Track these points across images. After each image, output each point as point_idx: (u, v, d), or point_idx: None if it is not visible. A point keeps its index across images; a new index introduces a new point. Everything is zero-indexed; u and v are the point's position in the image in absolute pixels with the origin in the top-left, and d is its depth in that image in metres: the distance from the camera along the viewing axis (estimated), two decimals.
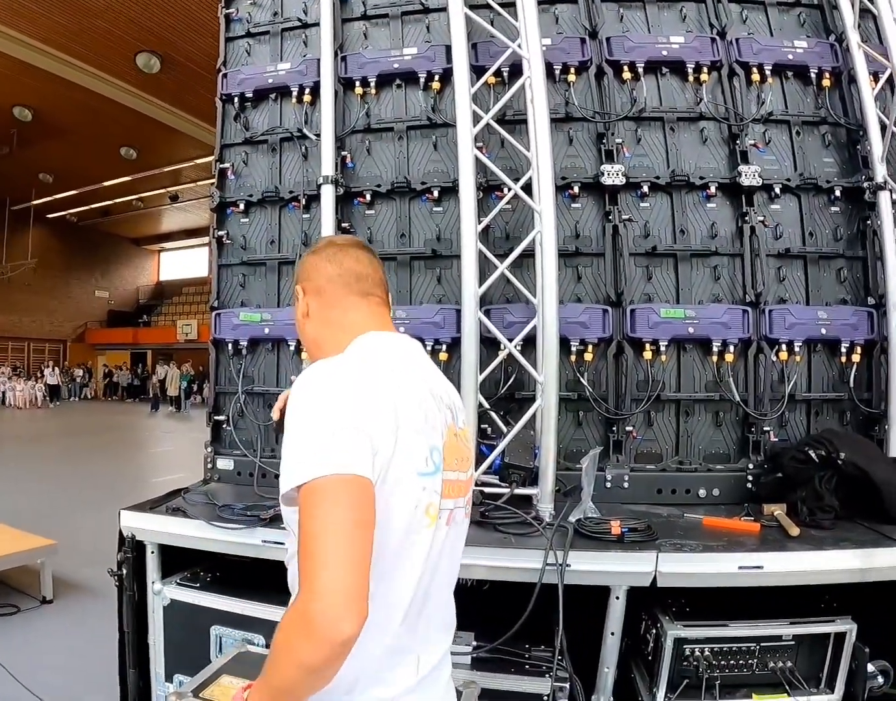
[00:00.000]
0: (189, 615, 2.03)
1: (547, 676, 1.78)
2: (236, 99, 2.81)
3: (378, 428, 0.90)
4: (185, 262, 28.62)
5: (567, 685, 1.78)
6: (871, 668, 1.89)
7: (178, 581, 2.11)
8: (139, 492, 2.76)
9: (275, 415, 1.30)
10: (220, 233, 2.72)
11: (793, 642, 1.81)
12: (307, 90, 2.71)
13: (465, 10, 2.36)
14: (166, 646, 2.08)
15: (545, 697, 1.75)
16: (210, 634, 2.00)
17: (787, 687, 1.79)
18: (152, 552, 2.10)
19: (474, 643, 1.83)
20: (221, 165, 2.79)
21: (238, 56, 2.94)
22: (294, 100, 2.74)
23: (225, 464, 2.66)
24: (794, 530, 2.04)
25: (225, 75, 2.87)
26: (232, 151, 2.80)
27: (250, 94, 2.80)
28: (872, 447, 2.42)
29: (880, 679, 2.00)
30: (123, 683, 2.17)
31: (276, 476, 2.60)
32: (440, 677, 1.07)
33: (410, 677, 0.99)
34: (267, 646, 1.83)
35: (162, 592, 2.07)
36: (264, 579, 2.01)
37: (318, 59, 2.66)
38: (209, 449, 2.70)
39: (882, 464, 2.29)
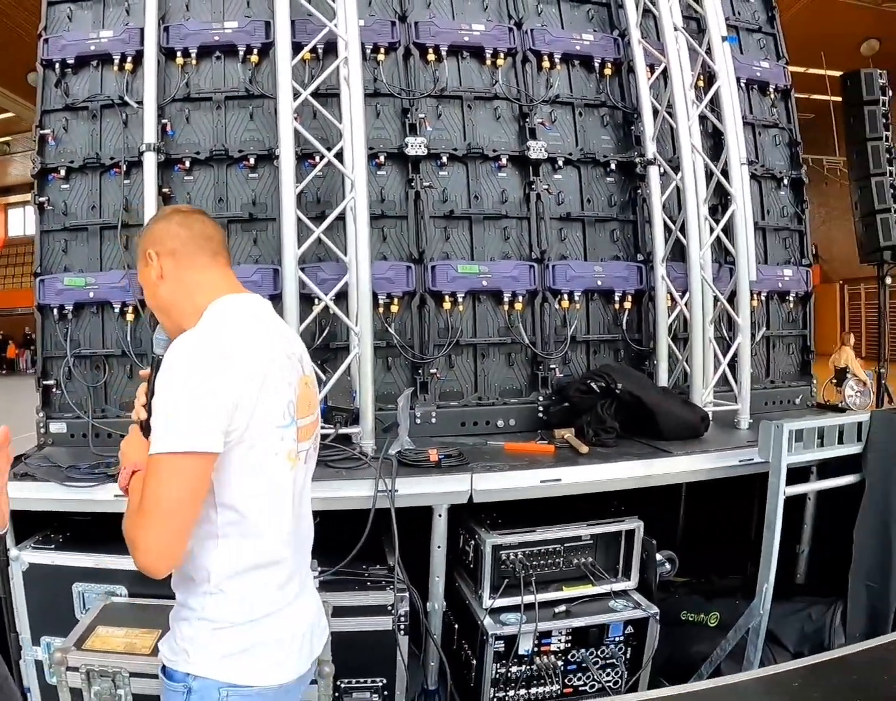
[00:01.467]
0: (49, 577, 2.04)
1: (388, 589, 2.01)
2: (57, 65, 2.80)
3: (241, 392, 1.04)
4: None
5: (406, 595, 2.04)
6: (659, 557, 2.32)
7: (32, 545, 2.10)
8: None
9: (139, 415, 1.19)
10: (42, 199, 2.72)
11: (591, 541, 2.19)
12: (129, 58, 2.75)
13: None
14: (30, 610, 2.07)
15: (389, 607, 1.99)
16: (73, 592, 2.03)
17: (591, 578, 2.17)
18: None
19: (319, 569, 2.01)
20: (42, 131, 2.78)
21: (59, 22, 2.91)
22: (115, 68, 2.76)
23: (58, 427, 2.68)
24: (584, 449, 2.43)
25: (46, 40, 2.85)
26: (52, 117, 2.80)
27: (71, 61, 2.79)
28: (644, 378, 2.92)
29: (668, 566, 2.48)
30: None
31: (109, 435, 2.66)
32: (311, 585, 1.31)
33: (295, 590, 1.20)
34: (130, 595, 1.98)
35: (19, 558, 2.04)
36: (113, 532, 2.08)
37: (142, 29, 2.71)
38: (41, 414, 2.71)
39: (652, 392, 2.78)
